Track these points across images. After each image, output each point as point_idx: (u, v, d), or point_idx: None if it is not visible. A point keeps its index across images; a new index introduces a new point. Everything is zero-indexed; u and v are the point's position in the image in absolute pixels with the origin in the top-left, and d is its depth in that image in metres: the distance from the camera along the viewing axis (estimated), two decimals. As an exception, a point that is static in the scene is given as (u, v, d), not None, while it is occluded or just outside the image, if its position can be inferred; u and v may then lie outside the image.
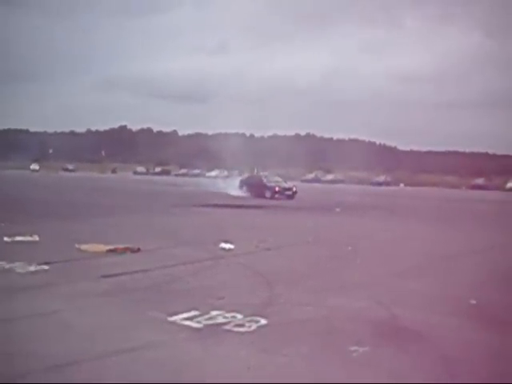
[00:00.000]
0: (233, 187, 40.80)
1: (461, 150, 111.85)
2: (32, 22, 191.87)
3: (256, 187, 38.55)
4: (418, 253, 13.71)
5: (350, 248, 13.74)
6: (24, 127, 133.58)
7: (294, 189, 38.46)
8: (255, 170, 51.04)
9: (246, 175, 44.74)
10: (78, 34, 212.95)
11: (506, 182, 77.34)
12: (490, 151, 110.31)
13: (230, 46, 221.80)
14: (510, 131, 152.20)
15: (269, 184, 38.77)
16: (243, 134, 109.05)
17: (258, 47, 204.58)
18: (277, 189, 37.72)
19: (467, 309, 8.09)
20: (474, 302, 8.42)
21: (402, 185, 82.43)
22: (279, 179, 42.24)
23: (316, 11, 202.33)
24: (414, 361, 5.86)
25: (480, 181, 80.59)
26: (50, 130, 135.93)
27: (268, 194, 37.07)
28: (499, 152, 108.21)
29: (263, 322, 7.00)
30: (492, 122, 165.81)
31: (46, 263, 10.18)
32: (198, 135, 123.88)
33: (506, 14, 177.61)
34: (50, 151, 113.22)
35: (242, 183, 40.86)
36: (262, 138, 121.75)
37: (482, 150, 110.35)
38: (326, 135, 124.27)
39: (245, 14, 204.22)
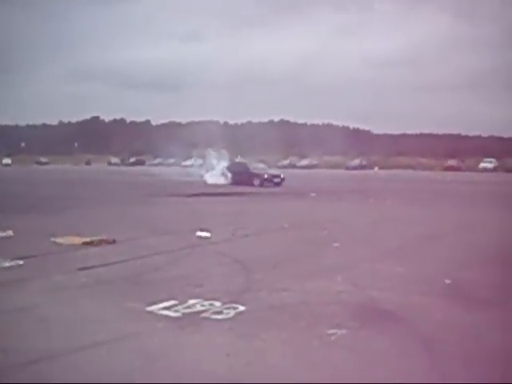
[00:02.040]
0: (209, 175, 40.52)
1: (434, 132, 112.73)
2: (0, 11, 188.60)
3: (243, 175, 37.77)
4: (393, 235, 13.86)
5: (326, 232, 13.83)
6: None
7: (282, 176, 38.08)
8: (238, 158, 50.61)
9: (229, 163, 43.38)
10: (48, 24, 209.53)
11: (478, 163, 78.32)
12: (463, 132, 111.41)
13: (202, 32, 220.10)
14: (481, 112, 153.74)
15: (256, 172, 38.30)
16: (217, 122, 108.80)
17: (231, 34, 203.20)
18: (266, 176, 37.35)
19: (443, 289, 8.20)
20: (448, 281, 8.54)
21: (376, 168, 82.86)
22: (264, 166, 41.93)
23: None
24: (392, 342, 5.92)
25: (453, 162, 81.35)
26: (22, 122, 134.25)
27: (257, 182, 36.46)
28: (472, 133, 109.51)
29: (241, 308, 7.02)
30: (464, 103, 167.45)
31: (21, 258, 10.05)
32: (171, 124, 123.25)
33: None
34: (23, 144, 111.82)
35: (227, 171, 39.83)
36: (236, 125, 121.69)
37: (454, 131, 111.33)
38: (300, 121, 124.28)
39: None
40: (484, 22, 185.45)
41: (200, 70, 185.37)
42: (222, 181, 38.42)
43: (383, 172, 72.14)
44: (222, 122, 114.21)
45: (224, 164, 42.06)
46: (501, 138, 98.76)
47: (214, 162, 43.38)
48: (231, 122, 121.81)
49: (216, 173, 40.64)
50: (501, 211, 19.43)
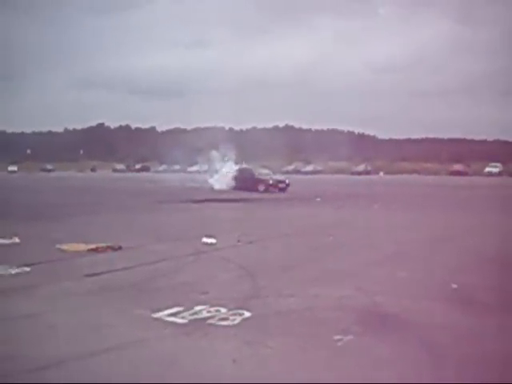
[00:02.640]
0: (215, 181, 40.46)
1: (439, 136, 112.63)
2: (5, 19, 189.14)
3: (248, 181, 37.55)
4: (397, 240, 13.84)
5: (331, 238, 13.83)
6: (1, 128, 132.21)
7: (287, 181, 37.95)
8: (243, 163, 50.45)
9: (235, 169, 43.14)
10: (53, 30, 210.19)
11: (484, 167, 78.18)
12: (468, 137, 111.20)
13: (206, 39, 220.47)
14: (486, 116, 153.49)
15: (261, 177, 38.10)
16: (222, 128, 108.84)
17: (235, 40, 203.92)
18: (271, 182, 37.20)
19: (449, 293, 8.20)
20: (455, 286, 8.54)
21: (381, 173, 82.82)
22: (269, 171, 41.79)
23: (292, 3, 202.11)
24: (398, 347, 5.93)
25: (459, 166, 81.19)
26: (28, 130, 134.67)
27: (262, 188, 36.31)
28: (477, 137, 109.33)
29: (247, 314, 7.03)
30: (468, 107, 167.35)
31: (28, 265, 10.09)
32: (176, 130, 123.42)
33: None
34: (28, 152, 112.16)
35: (233, 177, 39.56)
36: (241, 130, 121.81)
37: (459, 136, 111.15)
38: (305, 126, 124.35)
39: (221, 7, 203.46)
40: (486, 25, 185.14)
41: (205, 77, 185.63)
42: (227, 186, 38.33)
43: (388, 177, 72.05)
44: (226, 127, 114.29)
45: (229, 170, 41.93)
46: (506, 142, 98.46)
47: (219, 167, 43.29)
48: (236, 127, 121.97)
49: (221, 178, 40.54)
50: (506, 215, 19.39)
